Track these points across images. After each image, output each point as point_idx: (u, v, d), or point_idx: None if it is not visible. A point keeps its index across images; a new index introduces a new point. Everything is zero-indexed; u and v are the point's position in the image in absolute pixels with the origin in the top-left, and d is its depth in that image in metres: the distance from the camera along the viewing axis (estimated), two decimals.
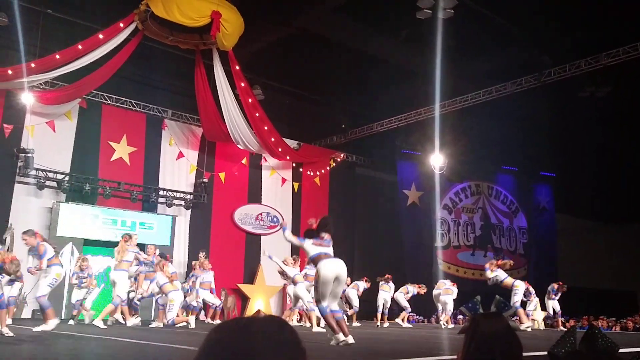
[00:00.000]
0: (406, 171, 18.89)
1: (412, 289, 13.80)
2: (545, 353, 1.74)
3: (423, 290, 13.79)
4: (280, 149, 15.58)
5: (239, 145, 15.13)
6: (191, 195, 15.12)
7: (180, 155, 15.42)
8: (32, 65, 11.63)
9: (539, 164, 20.28)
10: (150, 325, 10.39)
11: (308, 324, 11.03)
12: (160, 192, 14.65)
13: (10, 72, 11.69)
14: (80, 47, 12.00)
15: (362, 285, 13.54)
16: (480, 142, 17.22)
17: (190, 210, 15.15)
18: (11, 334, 6.60)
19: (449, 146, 16.46)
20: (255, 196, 16.64)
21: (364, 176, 19.02)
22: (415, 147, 18.25)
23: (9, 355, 5.09)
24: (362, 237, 17.72)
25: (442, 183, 18.15)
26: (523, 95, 14.42)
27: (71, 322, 10.14)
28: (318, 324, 10.03)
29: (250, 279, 15.57)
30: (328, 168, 18.15)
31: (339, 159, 18.33)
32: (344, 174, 18.48)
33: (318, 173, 17.93)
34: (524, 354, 1.80)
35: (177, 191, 14.93)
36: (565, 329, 2.16)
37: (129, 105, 14.68)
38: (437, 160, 16.38)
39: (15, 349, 5.55)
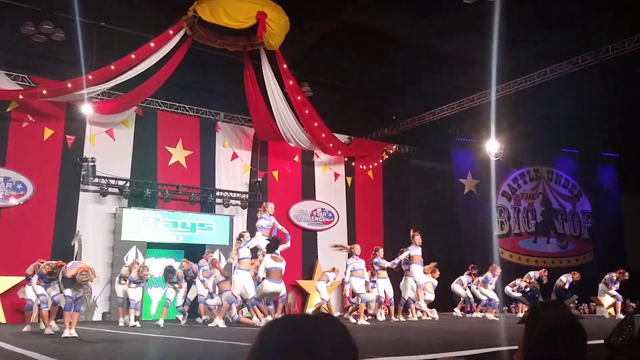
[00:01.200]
0: (461, 159, 18.53)
1: (465, 279, 13.62)
2: (602, 342, 1.67)
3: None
4: (331, 145, 15.60)
5: (290, 143, 15.27)
6: (247, 195, 15.37)
7: (234, 156, 15.70)
8: (90, 77, 12.09)
9: (601, 145, 19.47)
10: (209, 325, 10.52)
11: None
12: (217, 193, 14.97)
13: (69, 85, 12.20)
14: (133, 56, 12.39)
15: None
16: (537, 126, 16.67)
17: (246, 210, 15.40)
18: (51, 332, 7.09)
19: (505, 132, 16.01)
20: (309, 193, 16.75)
21: (417, 167, 18.80)
22: (470, 135, 17.86)
23: (86, 354, 5.33)
24: (418, 229, 17.50)
25: (499, 170, 17.71)
26: (580, 75, 13.86)
27: (137, 323, 10.40)
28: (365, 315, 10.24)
29: (309, 274, 15.70)
30: (381, 161, 18.04)
31: (391, 151, 18.19)
32: (398, 165, 18.32)
33: (371, 166, 17.85)
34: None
35: (233, 191, 15.22)
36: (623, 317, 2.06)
37: (183, 110, 15.06)
38: (492, 146, 15.98)
39: (86, 349, 5.80)
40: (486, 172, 17.39)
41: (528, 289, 12.63)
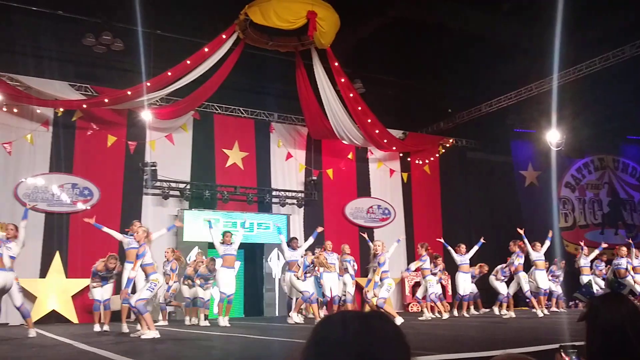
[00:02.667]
0: (521, 151, 18.03)
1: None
2: None
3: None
4: (385, 141, 15.50)
5: (344, 141, 15.27)
6: (302, 194, 15.49)
7: (289, 155, 15.85)
8: (148, 84, 12.49)
9: None
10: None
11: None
12: (273, 193, 15.17)
13: (129, 92, 12.64)
14: (189, 62, 12.71)
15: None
16: (600, 113, 16.00)
17: (302, 208, 15.52)
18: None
19: (566, 120, 15.47)
20: (364, 190, 16.71)
21: (476, 160, 18.41)
22: (529, 125, 17.34)
23: (148, 353, 5.51)
24: (478, 223, 17.14)
25: (561, 160, 17.14)
26: None
27: (206, 322, 10.58)
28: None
29: (367, 272, 15.63)
30: (437, 155, 17.79)
31: (447, 145, 17.90)
32: (455, 159, 18.02)
33: (427, 161, 17.63)
34: None
35: (289, 190, 15.37)
36: None
37: (238, 113, 15.34)
38: (553, 136, 15.46)
39: (150, 348, 6.00)
40: (547, 163, 16.85)
41: (584, 284, 12.10)
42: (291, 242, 11.09)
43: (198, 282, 10.85)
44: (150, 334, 6.96)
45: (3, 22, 11.96)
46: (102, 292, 9.09)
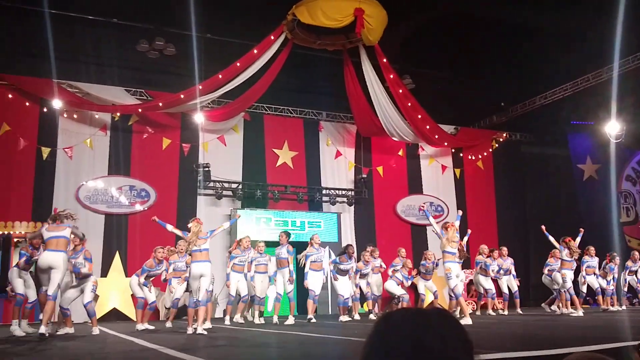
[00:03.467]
0: (579, 144, 17.41)
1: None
2: None
3: None
4: (436, 136, 15.29)
5: (394, 138, 15.15)
6: (352, 192, 15.47)
7: (338, 154, 15.86)
8: (200, 87, 12.75)
9: None
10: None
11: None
12: (324, 192, 15.21)
13: (182, 96, 12.95)
14: (238, 64, 12.91)
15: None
16: None
17: (353, 206, 15.50)
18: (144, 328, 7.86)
19: (626, 111, 14.85)
20: (416, 187, 16.53)
21: (531, 154, 17.91)
22: (586, 117, 16.73)
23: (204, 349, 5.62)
24: (535, 219, 16.66)
25: (621, 152, 16.46)
26: None
27: (262, 320, 10.44)
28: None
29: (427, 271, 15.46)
30: (490, 150, 17.42)
31: (501, 139, 17.50)
32: (509, 154, 17.60)
33: (480, 156, 17.29)
34: None
35: (339, 189, 15.38)
36: None
37: (287, 113, 15.47)
38: (613, 128, 14.87)
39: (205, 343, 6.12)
40: (607, 155, 16.21)
41: None
42: (347, 249, 10.79)
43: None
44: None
45: (62, 33, 12.43)
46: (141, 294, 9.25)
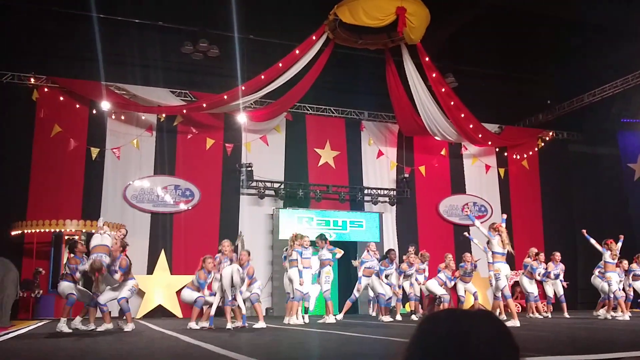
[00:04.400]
0: (629, 142, 16.83)
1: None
2: None
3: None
4: (480, 135, 15.05)
5: (436, 137, 14.99)
6: (394, 192, 15.38)
7: (380, 153, 15.79)
8: (243, 87, 12.91)
9: None
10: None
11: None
12: (365, 191, 15.18)
13: (225, 97, 13.15)
14: (280, 65, 13.00)
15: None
16: None
17: (395, 206, 15.41)
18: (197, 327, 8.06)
19: None
20: (459, 186, 16.32)
21: (578, 153, 17.42)
22: (637, 114, 16.15)
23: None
24: (583, 220, 16.19)
25: None
26: None
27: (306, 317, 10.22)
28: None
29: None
30: (536, 149, 17.04)
31: (547, 138, 17.09)
32: (556, 153, 17.17)
33: (525, 155, 16.94)
34: None
35: (380, 189, 15.32)
36: None
37: (329, 112, 15.50)
38: None
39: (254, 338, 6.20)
40: None
41: None
42: (389, 254, 10.76)
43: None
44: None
45: (110, 36, 12.79)
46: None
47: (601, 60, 14.72)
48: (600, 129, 16.91)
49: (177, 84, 14.27)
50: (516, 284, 15.45)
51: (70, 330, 7.64)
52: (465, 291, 11.45)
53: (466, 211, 10.08)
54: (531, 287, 11.65)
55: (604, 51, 14.43)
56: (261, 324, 8.28)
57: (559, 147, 17.34)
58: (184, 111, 13.81)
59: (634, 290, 11.86)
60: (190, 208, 13.76)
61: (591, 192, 16.71)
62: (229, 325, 7.97)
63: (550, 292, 12.11)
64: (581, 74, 15.55)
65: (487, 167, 16.65)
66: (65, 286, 7.94)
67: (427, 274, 12.77)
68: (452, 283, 11.29)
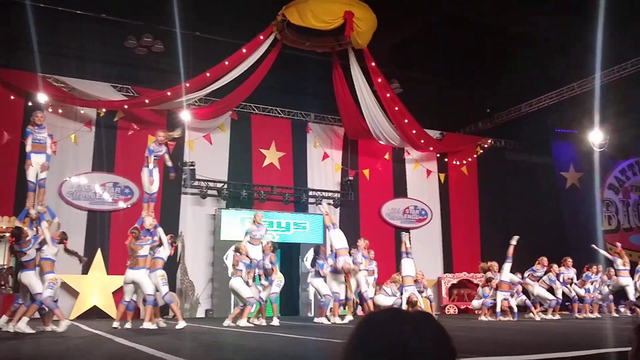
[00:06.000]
0: (562, 152, 17.61)
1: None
2: None
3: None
4: (422, 141, 15.37)
5: (380, 141, 15.21)
6: (339, 194, 15.48)
7: (325, 155, 15.87)
8: (187, 85, 12.69)
9: None
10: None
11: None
12: (310, 193, 15.20)
13: (169, 93, 12.88)
14: (227, 63, 12.86)
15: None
16: None
17: (339, 209, 15.50)
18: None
19: (610, 120, 15.04)
20: (400, 190, 16.60)
21: (515, 161, 18.07)
22: (571, 125, 16.92)
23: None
24: (518, 226, 16.76)
25: (604, 161, 16.66)
26: None
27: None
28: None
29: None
30: (475, 156, 17.52)
31: (486, 145, 17.62)
32: (493, 160, 17.72)
33: (465, 162, 17.39)
34: None
35: (325, 191, 15.38)
36: None
37: (275, 113, 15.44)
38: (596, 137, 15.05)
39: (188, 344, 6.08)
40: (590, 164, 16.41)
41: None
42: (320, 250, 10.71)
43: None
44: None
45: (50, 26, 12.30)
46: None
47: (539, 72, 15.32)
48: (535, 138, 17.61)
49: (119, 79, 13.86)
50: (454, 286, 15.89)
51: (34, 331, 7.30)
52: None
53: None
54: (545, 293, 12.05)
55: (542, 64, 15.04)
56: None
57: (497, 154, 17.91)
58: (125, 106, 13.43)
59: (563, 293, 12.44)
60: (129, 206, 13.37)
61: (527, 199, 17.36)
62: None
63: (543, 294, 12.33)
64: (520, 85, 16.15)
65: (429, 172, 17.02)
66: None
67: (376, 275, 12.96)
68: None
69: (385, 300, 11.03)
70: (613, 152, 16.63)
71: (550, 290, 12.33)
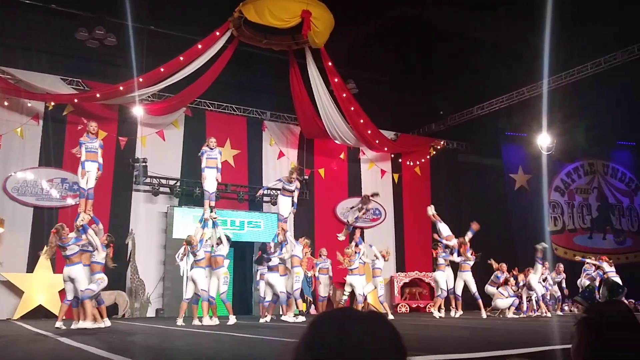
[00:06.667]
0: (512, 154, 18.12)
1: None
2: None
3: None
4: (377, 141, 15.52)
5: (336, 141, 15.28)
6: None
7: (281, 154, 15.82)
8: (140, 79, 12.42)
9: None
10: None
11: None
12: (265, 191, 15.10)
13: (121, 88, 12.57)
14: (181, 58, 12.66)
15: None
16: (592, 118, 16.11)
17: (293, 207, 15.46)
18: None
19: (557, 125, 15.56)
20: (355, 189, 16.71)
21: (466, 162, 18.47)
22: (520, 129, 17.42)
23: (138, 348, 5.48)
24: (468, 226, 17.19)
25: (551, 164, 17.23)
26: (636, 64, 13.31)
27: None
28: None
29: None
30: (428, 157, 17.81)
31: (439, 147, 17.94)
32: (446, 161, 18.06)
33: (418, 163, 17.66)
34: None
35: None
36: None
37: (230, 110, 15.29)
38: (544, 140, 15.55)
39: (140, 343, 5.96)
40: (538, 167, 16.95)
41: (585, 288, 12.33)
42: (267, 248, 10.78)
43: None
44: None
45: None
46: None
47: (491, 77, 15.71)
48: (486, 141, 18.06)
49: (69, 72, 13.44)
50: (405, 285, 16.12)
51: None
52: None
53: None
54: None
55: (494, 68, 15.41)
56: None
57: (449, 156, 18.26)
58: (75, 100, 13.03)
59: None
60: (77, 203, 12.96)
61: (478, 200, 17.76)
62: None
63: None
64: (472, 88, 16.52)
65: (383, 172, 17.20)
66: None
67: (330, 273, 13.04)
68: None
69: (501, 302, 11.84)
70: (560, 156, 17.22)
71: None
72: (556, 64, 13.69)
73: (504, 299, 12.24)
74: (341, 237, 11.97)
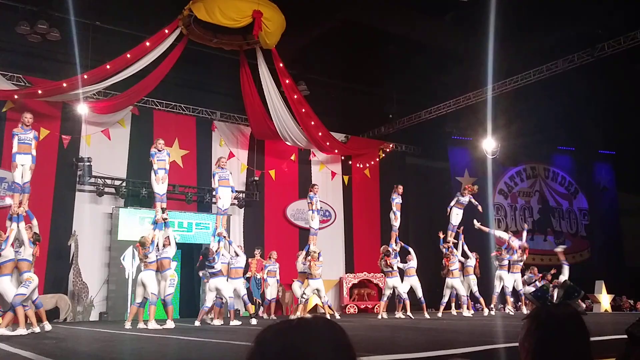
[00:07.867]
0: (458, 157, 18.54)
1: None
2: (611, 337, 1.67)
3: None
4: (328, 143, 15.59)
5: (287, 142, 15.25)
6: (244, 194, 15.35)
7: (231, 155, 15.66)
8: (85, 76, 12.05)
9: (597, 142, 19.52)
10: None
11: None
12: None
13: (65, 84, 12.15)
14: (129, 55, 12.35)
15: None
16: (534, 124, 16.71)
17: (243, 209, 15.38)
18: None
19: (502, 129, 16.04)
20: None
21: (414, 165, 18.80)
22: (466, 133, 17.88)
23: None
24: (415, 227, 17.53)
25: (495, 168, 17.73)
26: (576, 72, 13.89)
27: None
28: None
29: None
30: (377, 159, 18.03)
31: (388, 150, 18.18)
32: (394, 164, 18.32)
33: (367, 165, 17.85)
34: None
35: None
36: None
37: (179, 110, 15.03)
38: (489, 144, 15.99)
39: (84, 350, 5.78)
40: (483, 170, 17.41)
41: (538, 288, 12.78)
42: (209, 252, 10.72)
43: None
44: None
45: None
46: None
47: (438, 81, 16.07)
48: (434, 144, 18.43)
49: (9, 67, 12.88)
50: (354, 286, 16.25)
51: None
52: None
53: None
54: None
55: (441, 73, 15.78)
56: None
57: (398, 158, 18.54)
58: (16, 97, 12.50)
59: None
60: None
61: (425, 202, 18.10)
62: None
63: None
64: (420, 92, 16.83)
65: (333, 174, 17.30)
66: None
67: (278, 277, 13.01)
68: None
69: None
70: (504, 160, 17.75)
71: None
72: (501, 70, 14.13)
73: None
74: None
